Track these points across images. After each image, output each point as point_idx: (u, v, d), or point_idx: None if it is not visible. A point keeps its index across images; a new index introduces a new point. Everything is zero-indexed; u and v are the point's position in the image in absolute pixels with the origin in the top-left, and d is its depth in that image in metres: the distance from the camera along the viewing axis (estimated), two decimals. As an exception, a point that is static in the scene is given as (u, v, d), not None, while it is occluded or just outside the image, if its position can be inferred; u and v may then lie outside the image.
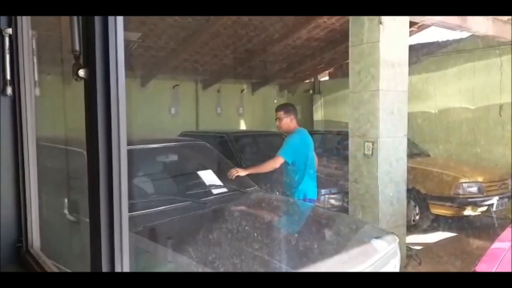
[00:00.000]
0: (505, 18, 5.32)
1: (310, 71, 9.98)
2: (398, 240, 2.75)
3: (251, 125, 9.77)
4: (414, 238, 5.19)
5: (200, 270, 1.96)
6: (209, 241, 2.36)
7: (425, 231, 5.54)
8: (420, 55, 7.78)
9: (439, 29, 5.48)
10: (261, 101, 10.05)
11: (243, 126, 9.83)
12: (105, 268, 0.78)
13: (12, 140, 1.31)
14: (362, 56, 4.12)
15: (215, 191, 3.12)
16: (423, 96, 7.97)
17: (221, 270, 2.02)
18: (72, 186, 2.62)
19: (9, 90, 1.29)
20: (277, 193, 3.98)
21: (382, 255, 2.48)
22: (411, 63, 4.57)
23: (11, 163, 1.32)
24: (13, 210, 1.33)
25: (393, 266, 2.57)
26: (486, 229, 5.65)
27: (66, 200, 2.47)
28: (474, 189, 5.41)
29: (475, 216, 5.62)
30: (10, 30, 1.26)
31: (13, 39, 1.27)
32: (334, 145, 6.83)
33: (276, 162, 3.63)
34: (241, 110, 9.88)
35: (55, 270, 1.28)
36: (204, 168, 3.25)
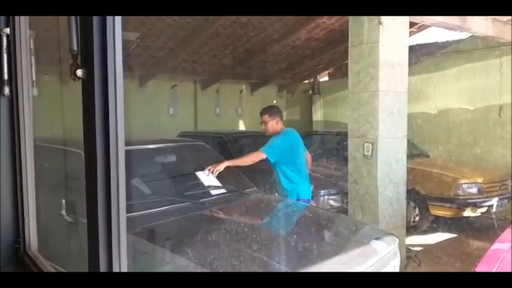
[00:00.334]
0: (505, 18, 5.32)
1: (309, 71, 9.97)
2: (398, 241, 2.74)
3: (250, 125, 9.74)
4: (414, 239, 5.18)
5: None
6: (208, 242, 2.35)
7: (425, 232, 5.53)
8: (420, 56, 7.78)
9: (438, 29, 5.48)
10: (260, 101, 10.02)
11: (242, 127, 9.81)
12: (102, 268, 0.77)
13: (9, 141, 1.31)
14: (362, 57, 4.11)
15: (213, 192, 3.12)
16: (423, 97, 7.96)
17: (220, 271, 2.01)
18: (70, 187, 2.61)
19: (6, 90, 1.29)
20: (276, 194, 3.98)
21: (381, 256, 2.47)
22: (410, 63, 4.56)
23: (8, 164, 1.31)
24: (10, 211, 1.33)
25: (393, 267, 2.56)
26: (486, 230, 5.64)
27: (63, 201, 2.46)
28: (473, 190, 5.40)
29: (475, 217, 5.60)
30: (8, 30, 1.26)
31: (11, 39, 1.26)
32: (333, 145, 6.81)
33: (256, 157, 3.58)
34: (240, 110, 9.86)
35: (53, 271, 1.27)
36: (203, 168, 3.24)
